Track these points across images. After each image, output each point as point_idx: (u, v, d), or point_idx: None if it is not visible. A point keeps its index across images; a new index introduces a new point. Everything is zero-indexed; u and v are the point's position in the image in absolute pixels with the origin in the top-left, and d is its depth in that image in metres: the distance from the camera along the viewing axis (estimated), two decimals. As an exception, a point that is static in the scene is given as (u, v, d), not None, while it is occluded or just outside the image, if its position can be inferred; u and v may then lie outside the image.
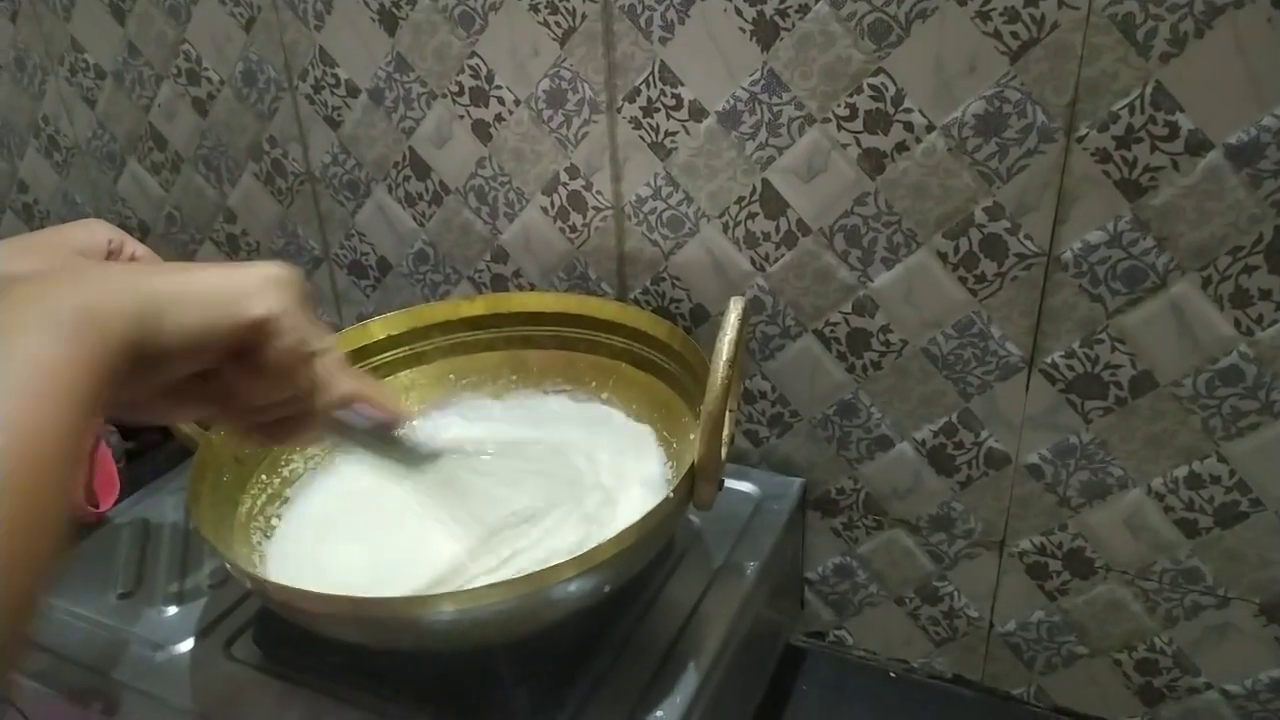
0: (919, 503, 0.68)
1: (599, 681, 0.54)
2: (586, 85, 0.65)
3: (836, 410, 0.68)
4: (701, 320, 0.70)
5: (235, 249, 0.89)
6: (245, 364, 0.37)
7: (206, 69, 0.81)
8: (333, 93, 0.76)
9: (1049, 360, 0.60)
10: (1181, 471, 0.59)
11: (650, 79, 0.63)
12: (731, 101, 0.61)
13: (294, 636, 0.55)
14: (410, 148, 0.75)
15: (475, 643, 0.51)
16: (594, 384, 0.68)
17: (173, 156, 0.88)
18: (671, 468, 0.61)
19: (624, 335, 0.66)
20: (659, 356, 0.64)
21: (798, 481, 0.71)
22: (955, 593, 0.70)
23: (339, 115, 0.77)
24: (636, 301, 0.72)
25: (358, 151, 0.77)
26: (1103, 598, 0.65)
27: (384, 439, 0.47)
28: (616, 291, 0.72)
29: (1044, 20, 0.51)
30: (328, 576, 0.57)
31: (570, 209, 0.71)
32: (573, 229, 0.71)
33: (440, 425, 0.68)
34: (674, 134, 0.64)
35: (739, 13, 0.58)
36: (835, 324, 0.65)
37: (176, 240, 0.92)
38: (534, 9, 0.64)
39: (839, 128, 0.59)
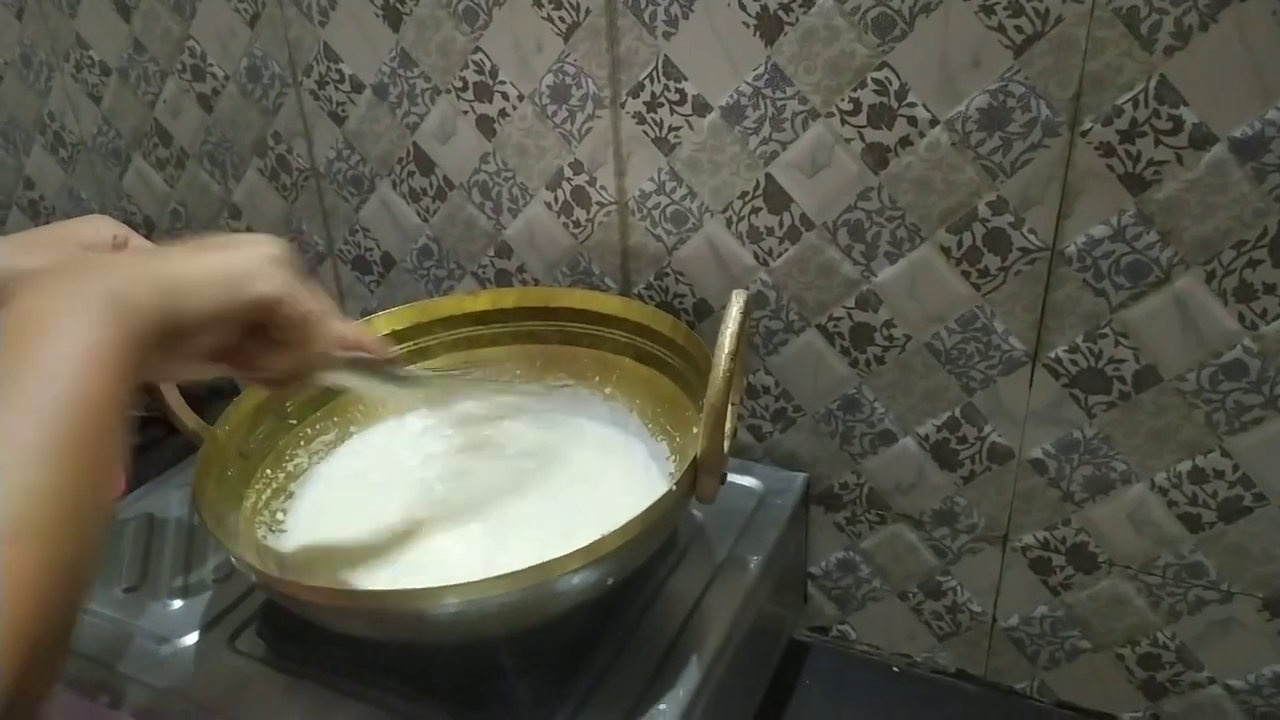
0: (922, 497, 0.68)
1: (602, 674, 0.54)
2: (590, 80, 0.66)
3: (840, 405, 0.68)
4: (705, 315, 0.70)
5: (240, 245, 0.90)
6: (259, 332, 0.43)
7: (211, 65, 0.81)
8: (337, 88, 0.76)
9: (1052, 355, 0.59)
10: (1185, 466, 0.59)
11: (654, 74, 0.63)
12: (735, 96, 0.61)
13: (298, 630, 0.56)
14: (414, 143, 0.75)
15: (479, 635, 0.51)
16: (598, 379, 0.68)
17: (178, 152, 0.88)
18: (673, 462, 0.61)
19: (627, 330, 0.66)
20: (662, 351, 0.64)
21: (801, 476, 0.71)
22: (958, 587, 0.70)
23: (343, 111, 0.77)
24: (640, 296, 0.72)
25: (362, 147, 0.78)
26: (1106, 592, 0.65)
27: (377, 375, 0.53)
28: (620, 286, 0.72)
29: (1048, 14, 0.51)
30: (332, 570, 0.57)
31: (574, 204, 0.71)
32: (576, 224, 0.72)
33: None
34: (678, 129, 0.64)
35: (743, 7, 0.58)
36: (838, 319, 0.65)
37: (181, 236, 0.92)
38: (538, 4, 0.65)
39: (842, 122, 0.59)
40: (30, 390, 0.31)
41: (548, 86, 0.67)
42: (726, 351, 0.47)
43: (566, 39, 0.65)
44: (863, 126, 0.58)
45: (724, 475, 0.51)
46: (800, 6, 0.57)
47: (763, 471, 0.71)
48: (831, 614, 0.77)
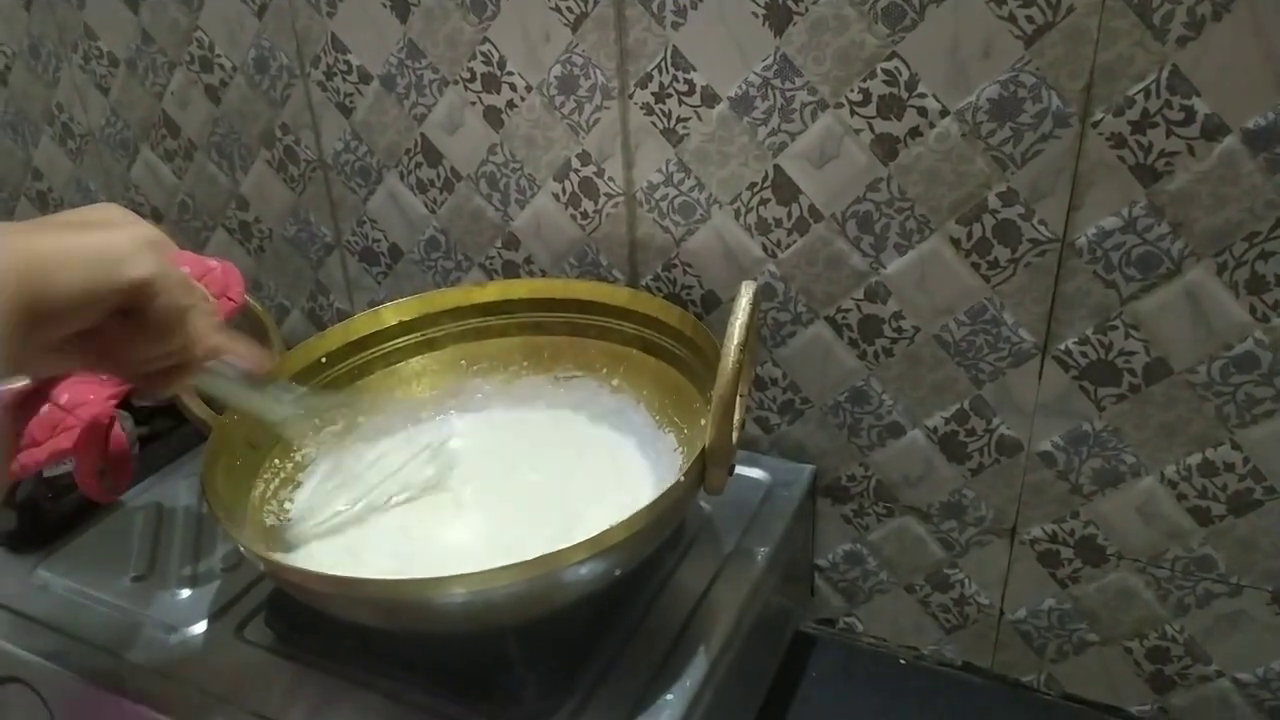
0: (930, 490, 0.68)
1: (609, 665, 0.54)
2: (598, 71, 0.65)
3: (848, 397, 0.68)
4: (713, 307, 0.70)
5: (248, 236, 0.90)
6: (127, 321, 0.40)
7: (219, 56, 0.81)
8: (345, 79, 0.76)
9: (1062, 347, 0.59)
10: (1195, 459, 0.59)
11: (662, 64, 0.63)
12: (744, 87, 0.61)
13: (306, 619, 0.56)
14: (422, 134, 0.75)
15: (486, 625, 0.51)
16: (605, 370, 0.68)
17: (185, 144, 0.88)
18: (681, 453, 0.61)
19: (635, 322, 0.66)
20: (670, 343, 0.64)
21: (808, 468, 0.71)
22: (966, 580, 0.70)
23: (351, 102, 0.77)
24: (648, 288, 0.72)
25: (369, 138, 0.78)
26: (1114, 585, 0.65)
27: (250, 386, 0.52)
28: (628, 278, 0.72)
29: (1059, 4, 0.51)
30: (340, 559, 0.57)
31: (582, 195, 0.71)
32: (584, 215, 0.71)
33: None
34: (686, 120, 0.64)
35: (752, -3, 0.58)
36: (847, 311, 0.65)
37: (189, 227, 0.93)
38: (546, -6, 0.64)
39: (852, 113, 0.59)
40: None
41: (556, 77, 0.67)
42: (736, 342, 0.47)
43: (574, 29, 0.65)
44: (872, 117, 0.58)
45: (732, 467, 0.51)
46: (810, -4, 0.57)
47: (770, 463, 0.71)
48: (838, 606, 0.76)
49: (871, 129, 0.59)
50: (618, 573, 0.50)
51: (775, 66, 0.59)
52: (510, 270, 0.77)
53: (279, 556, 0.55)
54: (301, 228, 0.86)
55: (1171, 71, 0.50)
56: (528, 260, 0.76)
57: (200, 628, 0.60)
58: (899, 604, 0.74)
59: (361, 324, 0.68)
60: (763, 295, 0.67)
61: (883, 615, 0.75)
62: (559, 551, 0.45)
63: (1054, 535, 0.65)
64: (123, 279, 0.38)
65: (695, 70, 0.62)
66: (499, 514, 0.60)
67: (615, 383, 0.68)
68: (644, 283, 0.72)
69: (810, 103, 0.59)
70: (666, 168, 0.66)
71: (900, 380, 0.65)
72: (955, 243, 0.59)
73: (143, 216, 0.45)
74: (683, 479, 0.49)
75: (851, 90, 0.58)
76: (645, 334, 0.66)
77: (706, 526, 0.65)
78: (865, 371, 0.66)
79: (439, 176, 0.76)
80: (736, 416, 0.50)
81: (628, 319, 0.66)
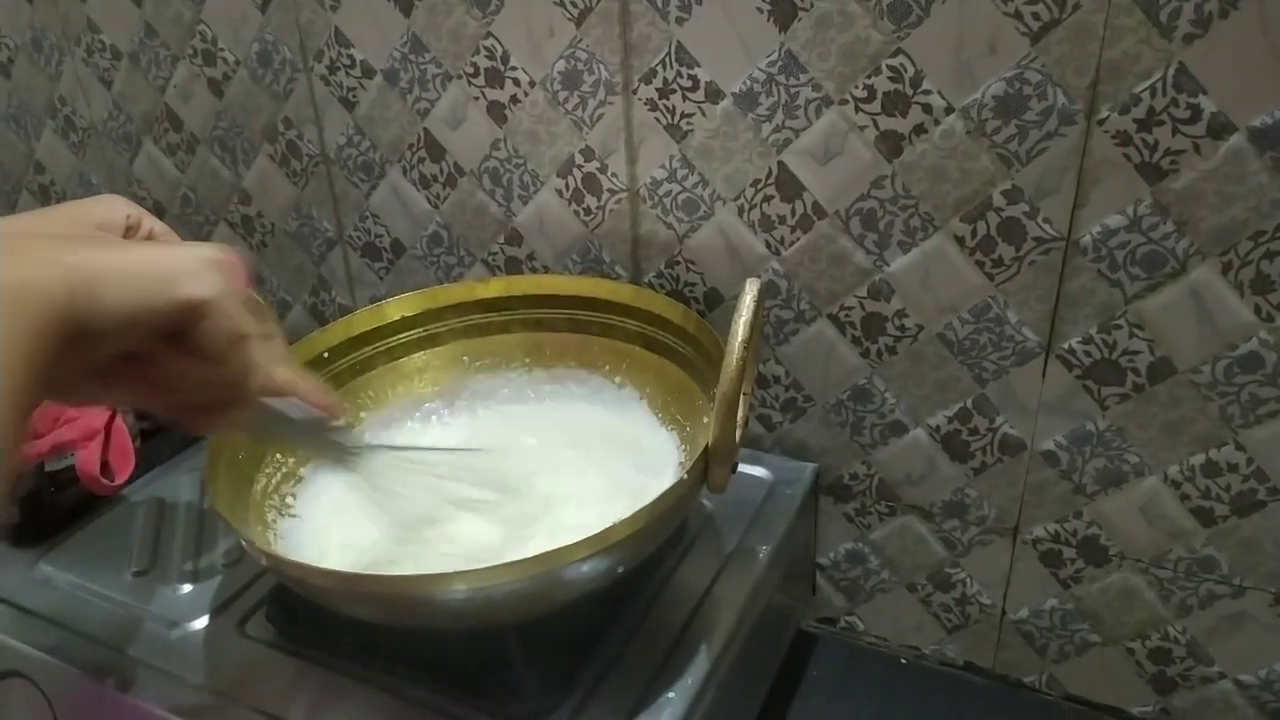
0: (932, 489, 0.68)
1: (610, 663, 0.54)
2: (602, 66, 0.65)
3: (850, 395, 0.68)
4: (716, 304, 0.70)
5: (250, 230, 0.90)
6: (178, 345, 0.37)
7: (222, 50, 0.81)
8: (348, 74, 0.76)
9: (1066, 346, 0.59)
10: (1198, 459, 0.58)
11: (667, 60, 0.63)
12: (748, 83, 0.61)
13: (308, 614, 0.56)
14: (425, 129, 0.75)
15: (488, 622, 0.51)
16: (608, 367, 0.68)
17: (188, 138, 0.88)
18: (683, 451, 0.61)
19: (638, 319, 0.66)
20: (673, 340, 0.64)
21: (811, 467, 0.71)
22: (968, 580, 0.70)
23: (354, 96, 0.77)
24: (651, 285, 0.72)
25: (372, 133, 0.77)
26: (1116, 586, 0.65)
27: (314, 433, 0.46)
28: (631, 275, 0.72)
29: (1066, 1, 0.51)
30: (342, 554, 0.57)
31: (585, 191, 0.71)
32: (587, 211, 0.71)
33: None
34: (690, 116, 0.64)
35: (756, -7, 0.58)
36: (850, 308, 0.65)
37: (191, 221, 0.92)
38: (550, -11, 0.64)
39: (856, 109, 0.58)
40: None
41: (559, 73, 0.67)
42: (740, 340, 0.47)
43: (579, 24, 0.64)
44: (877, 114, 0.58)
45: (735, 465, 0.51)
46: (815, -8, 0.56)
47: (772, 461, 0.71)
48: (840, 605, 0.76)
49: (876, 126, 0.58)
50: (620, 570, 0.50)
51: (780, 62, 0.59)
52: (513, 266, 0.77)
53: (280, 551, 0.55)
54: (304, 222, 0.86)
55: (1178, 69, 0.50)
56: (530, 256, 0.76)
57: (202, 623, 0.60)
58: (900, 603, 0.73)
59: (363, 319, 0.68)
60: (766, 292, 0.66)
61: (884, 614, 0.75)
62: (560, 549, 0.44)
63: (1056, 535, 0.65)
64: (177, 296, 0.35)
65: (699, 66, 0.62)
66: (500, 509, 0.60)
67: (618, 380, 0.67)
68: (647, 279, 0.72)
69: (815, 99, 0.59)
70: (670, 164, 0.66)
71: (903, 379, 0.65)
72: (959, 240, 0.59)
73: (145, 210, 0.45)
74: (685, 477, 0.49)
75: (856, 87, 0.58)
76: (648, 331, 0.65)
77: (708, 524, 0.65)
78: (868, 370, 0.66)
79: (442, 172, 0.76)
80: (740, 414, 0.50)
81: (630, 316, 0.66)
